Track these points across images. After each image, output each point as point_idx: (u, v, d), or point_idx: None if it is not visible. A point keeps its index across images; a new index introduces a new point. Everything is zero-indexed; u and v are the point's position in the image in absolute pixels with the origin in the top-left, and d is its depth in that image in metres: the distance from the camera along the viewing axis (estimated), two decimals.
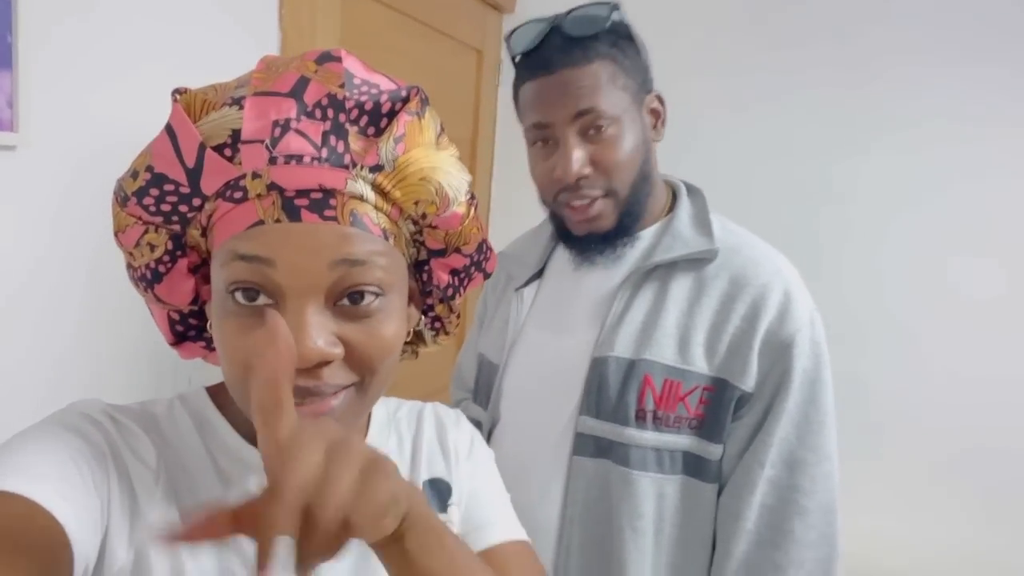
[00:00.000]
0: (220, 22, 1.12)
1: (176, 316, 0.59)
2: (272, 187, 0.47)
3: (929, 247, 1.67)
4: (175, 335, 0.61)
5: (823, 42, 1.71)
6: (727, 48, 1.79)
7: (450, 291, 0.62)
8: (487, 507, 0.68)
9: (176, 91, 0.49)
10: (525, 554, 0.67)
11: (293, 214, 0.47)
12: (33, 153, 0.89)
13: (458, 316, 0.66)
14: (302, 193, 0.48)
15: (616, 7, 0.92)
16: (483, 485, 0.70)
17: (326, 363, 0.48)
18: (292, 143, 0.48)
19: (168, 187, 0.49)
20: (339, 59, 0.50)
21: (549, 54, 0.92)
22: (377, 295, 0.50)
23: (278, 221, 0.47)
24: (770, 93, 1.76)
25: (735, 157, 1.78)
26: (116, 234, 0.54)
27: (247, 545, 0.52)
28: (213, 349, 0.61)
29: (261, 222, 0.47)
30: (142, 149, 0.51)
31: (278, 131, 0.47)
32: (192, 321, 0.60)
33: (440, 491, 0.66)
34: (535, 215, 1.18)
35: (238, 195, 0.48)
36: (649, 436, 0.91)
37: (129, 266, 0.56)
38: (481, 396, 1.11)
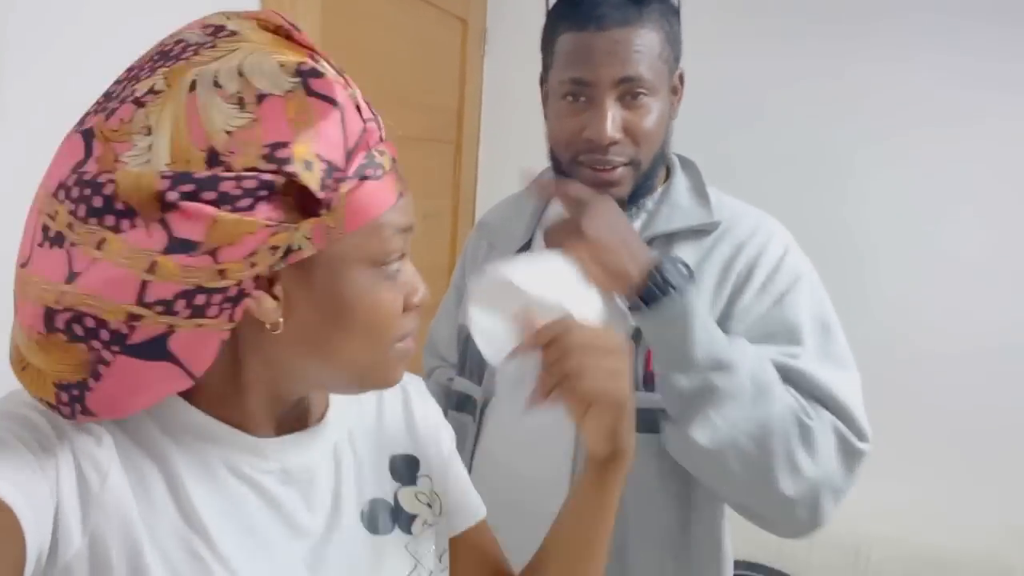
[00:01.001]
0: None
1: (228, 335, 0.48)
2: (392, 160, 0.52)
3: (933, 218, 1.68)
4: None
5: (810, 12, 1.70)
6: (728, 27, 1.77)
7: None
8: (462, 488, 0.72)
9: (304, 70, 0.47)
10: (488, 527, 0.74)
11: (404, 186, 0.54)
12: (13, 135, 0.87)
13: None
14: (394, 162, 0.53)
15: None
16: (454, 464, 0.72)
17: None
18: (377, 119, 0.52)
19: (337, 174, 0.48)
20: (298, 29, 0.51)
21: (603, 10, 0.88)
22: None
23: (402, 195, 0.53)
24: (768, 73, 1.75)
25: (718, 134, 1.78)
26: (217, 249, 0.43)
27: (211, 529, 0.51)
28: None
29: (402, 194, 0.53)
30: (302, 133, 0.45)
31: (365, 106, 0.51)
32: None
33: (408, 464, 0.67)
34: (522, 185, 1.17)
35: (379, 172, 0.50)
36: (656, 397, 0.91)
37: (200, 291, 0.44)
38: (470, 371, 1.10)
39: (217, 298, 0.45)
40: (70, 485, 0.47)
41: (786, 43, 1.72)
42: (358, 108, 0.49)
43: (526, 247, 1.07)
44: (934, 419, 1.70)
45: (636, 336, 0.92)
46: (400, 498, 0.64)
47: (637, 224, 0.99)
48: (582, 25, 0.89)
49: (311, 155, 0.45)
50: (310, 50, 0.49)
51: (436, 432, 0.71)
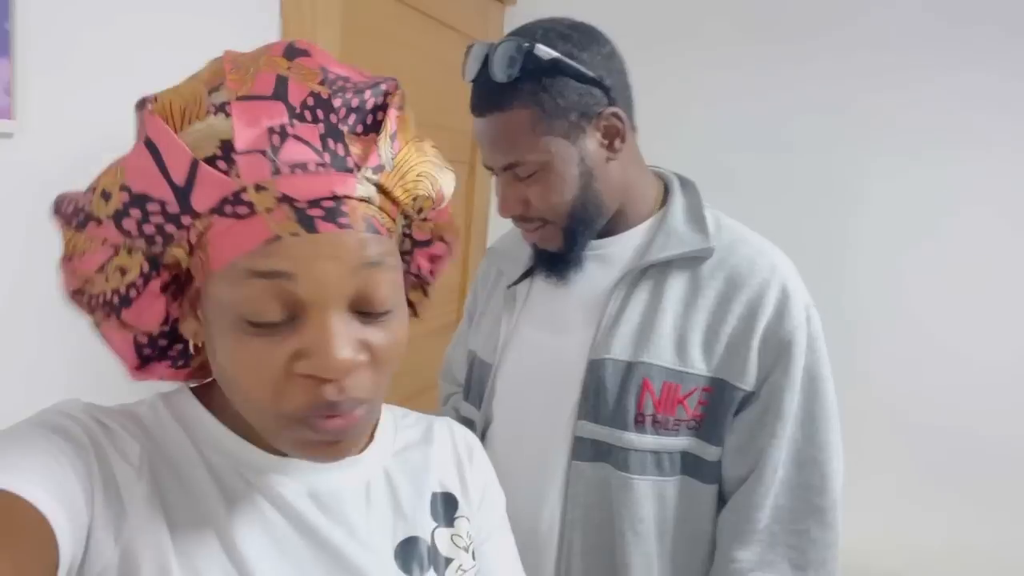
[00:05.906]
0: (220, 12, 1.12)
1: (144, 339, 0.56)
2: (283, 199, 0.45)
3: (918, 238, 1.67)
4: (142, 359, 0.57)
5: (813, 34, 1.70)
6: (717, 40, 1.78)
7: (431, 277, 0.63)
8: (505, 566, 0.69)
9: (144, 100, 0.46)
10: None
11: (309, 226, 0.45)
12: (30, 141, 0.88)
13: (429, 299, 0.67)
14: (314, 203, 0.45)
15: (532, 45, 0.85)
16: (501, 538, 0.70)
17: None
18: (293, 150, 0.45)
19: (152, 207, 0.46)
20: (308, 53, 0.48)
21: (478, 95, 0.91)
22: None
23: (295, 235, 0.45)
24: (758, 86, 1.76)
25: (723, 151, 1.78)
26: (68, 259, 0.50)
27: (241, 546, 0.52)
28: (180, 367, 0.59)
29: (277, 237, 0.45)
30: (106, 167, 0.47)
31: (276, 139, 0.45)
32: (161, 342, 0.58)
33: (447, 503, 0.65)
34: None
35: (242, 210, 0.45)
36: (648, 440, 0.91)
37: (79, 292, 0.52)
38: (473, 395, 1.10)
39: (96, 302, 0.51)
40: (103, 498, 0.48)
41: (792, 68, 1.73)
42: (224, 144, 0.45)
43: (529, 273, 1.08)
44: (957, 462, 1.67)
45: (627, 373, 0.92)
46: (436, 539, 0.62)
47: (629, 252, 0.98)
48: (473, 109, 0.93)
49: (113, 186, 0.46)
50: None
51: (484, 488, 0.70)
